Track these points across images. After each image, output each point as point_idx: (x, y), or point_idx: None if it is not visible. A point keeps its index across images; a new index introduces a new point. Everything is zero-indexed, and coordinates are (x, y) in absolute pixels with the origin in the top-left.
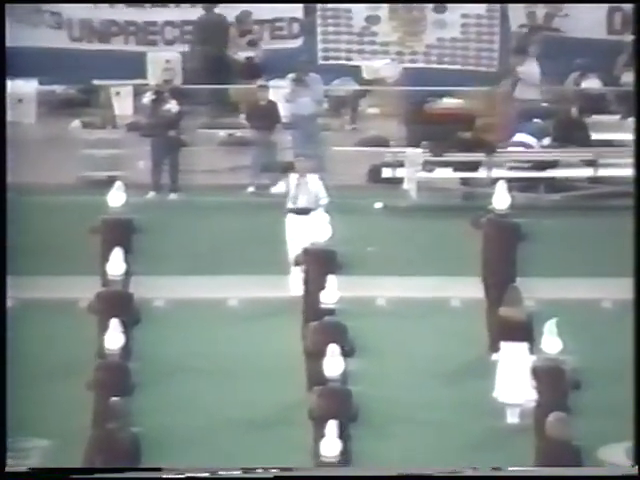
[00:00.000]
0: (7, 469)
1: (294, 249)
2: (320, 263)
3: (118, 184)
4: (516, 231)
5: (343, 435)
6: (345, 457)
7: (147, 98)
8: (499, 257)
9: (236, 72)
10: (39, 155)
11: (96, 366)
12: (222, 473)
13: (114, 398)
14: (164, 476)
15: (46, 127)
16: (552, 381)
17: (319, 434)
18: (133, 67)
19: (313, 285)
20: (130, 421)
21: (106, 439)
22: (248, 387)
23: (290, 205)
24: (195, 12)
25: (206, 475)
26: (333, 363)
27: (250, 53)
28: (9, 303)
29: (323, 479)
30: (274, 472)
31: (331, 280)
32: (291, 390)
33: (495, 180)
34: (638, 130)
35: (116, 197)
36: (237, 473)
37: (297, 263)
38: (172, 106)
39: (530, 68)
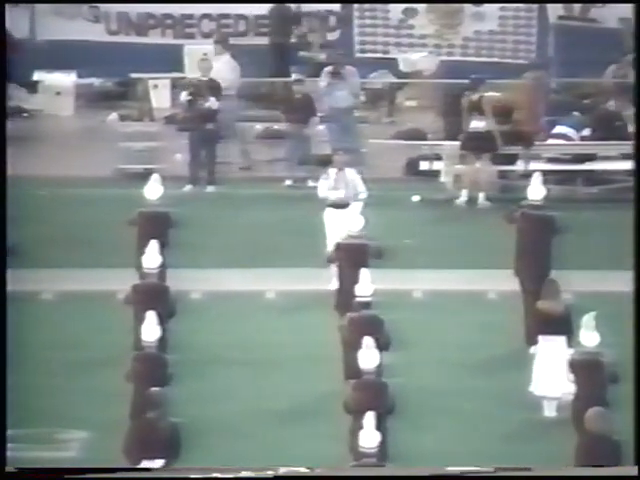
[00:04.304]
0: (7, 469)
1: (333, 243)
2: (354, 257)
3: (155, 176)
4: (551, 224)
5: (380, 427)
6: (382, 449)
7: (185, 97)
8: (534, 250)
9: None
10: (77, 148)
11: (133, 358)
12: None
13: (154, 388)
14: (156, 476)
15: (84, 120)
16: (590, 374)
17: (355, 426)
18: (170, 60)
19: (347, 279)
20: (169, 411)
21: (145, 429)
22: (285, 379)
23: (328, 198)
24: (232, 5)
25: (201, 475)
26: (368, 356)
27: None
28: (47, 295)
29: (324, 479)
30: (272, 473)
31: (364, 273)
32: (328, 382)
33: (532, 173)
34: (638, 124)
35: (153, 190)
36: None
37: (330, 260)
38: (212, 103)
39: None
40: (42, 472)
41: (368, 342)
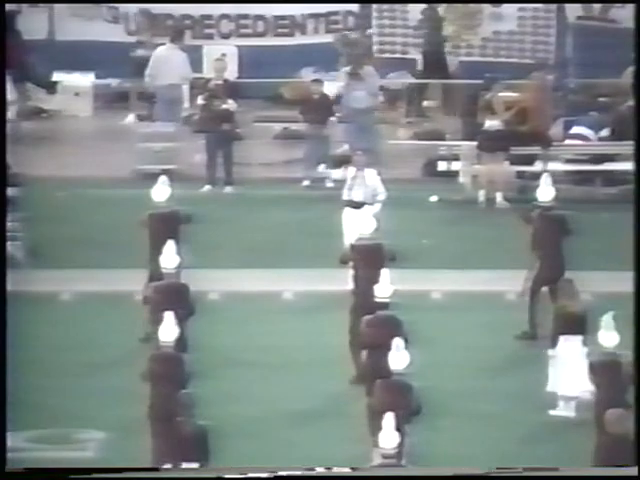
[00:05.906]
0: (7, 469)
1: (349, 243)
2: (370, 258)
3: (162, 178)
4: (563, 224)
5: (402, 428)
6: (406, 450)
7: (201, 101)
8: (548, 250)
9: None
10: (95, 148)
11: (151, 357)
12: (229, 475)
13: (183, 391)
14: (164, 476)
15: (102, 120)
16: (610, 375)
17: (377, 427)
18: (189, 61)
19: (362, 280)
20: (195, 413)
21: (171, 430)
22: (303, 379)
23: (347, 199)
24: (251, 5)
25: (201, 475)
26: (398, 356)
27: None
28: (65, 296)
29: (324, 479)
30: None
31: (384, 274)
32: (346, 382)
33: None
34: (638, 125)
35: (160, 192)
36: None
37: (343, 261)
38: (230, 106)
39: None
40: (47, 472)
41: (398, 343)
